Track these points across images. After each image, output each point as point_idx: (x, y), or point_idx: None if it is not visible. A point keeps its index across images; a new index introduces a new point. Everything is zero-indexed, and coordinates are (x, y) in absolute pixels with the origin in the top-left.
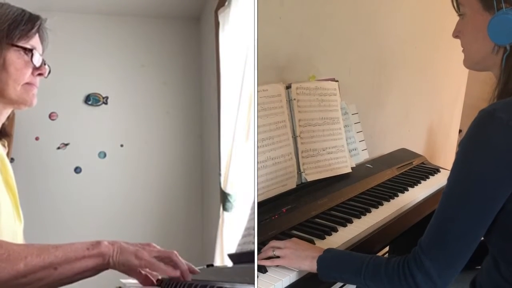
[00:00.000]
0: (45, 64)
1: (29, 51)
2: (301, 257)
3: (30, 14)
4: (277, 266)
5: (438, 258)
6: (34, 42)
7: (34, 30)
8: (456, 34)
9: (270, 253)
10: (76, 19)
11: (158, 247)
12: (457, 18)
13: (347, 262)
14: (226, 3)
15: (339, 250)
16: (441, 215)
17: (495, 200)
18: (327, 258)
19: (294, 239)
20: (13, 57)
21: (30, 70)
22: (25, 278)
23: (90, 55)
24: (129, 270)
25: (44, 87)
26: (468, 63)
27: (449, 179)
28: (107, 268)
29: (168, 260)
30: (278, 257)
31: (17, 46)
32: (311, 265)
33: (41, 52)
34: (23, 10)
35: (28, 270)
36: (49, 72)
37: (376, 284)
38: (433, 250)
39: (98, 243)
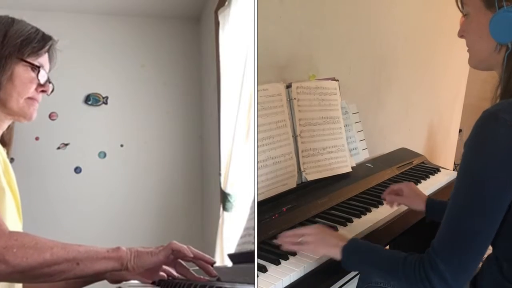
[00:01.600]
0: (49, 82)
1: (36, 68)
2: (327, 245)
3: (43, 33)
4: (280, 264)
5: (451, 261)
6: (43, 60)
7: (44, 49)
8: (461, 34)
9: (297, 239)
10: (76, 19)
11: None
12: (457, 16)
13: (368, 255)
14: (226, 3)
15: (363, 242)
16: (449, 216)
17: (500, 201)
18: (351, 249)
19: (319, 225)
20: (21, 71)
21: (34, 86)
22: (49, 268)
23: (90, 55)
24: (148, 272)
25: None
26: (473, 63)
27: (456, 180)
28: (126, 278)
29: (182, 256)
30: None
31: (26, 62)
32: (335, 253)
33: (47, 70)
34: (37, 29)
35: (53, 261)
36: (52, 90)
37: (394, 280)
38: (445, 251)
39: (117, 248)
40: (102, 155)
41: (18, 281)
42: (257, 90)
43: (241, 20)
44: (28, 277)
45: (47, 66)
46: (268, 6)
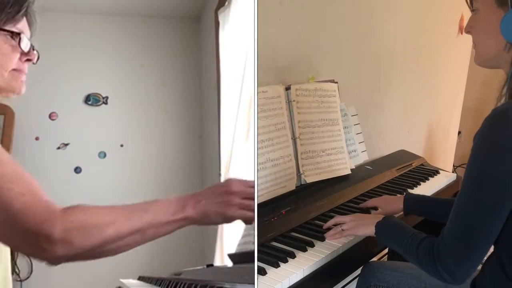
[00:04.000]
0: (33, 49)
1: (17, 35)
2: (364, 225)
3: None
4: (279, 267)
5: (454, 248)
6: (22, 26)
7: (21, 13)
8: (468, 30)
9: (339, 229)
10: (76, 19)
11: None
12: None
13: (396, 233)
14: (226, 3)
15: (395, 220)
16: (456, 208)
17: (505, 199)
18: (383, 225)
19: (355, 214)
20: (0, 41)
21: (17, 56)
22: (113, 243)
23: (90, 55)
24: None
25: (44, 87)
26: (479, 60)
27: (464, 175)
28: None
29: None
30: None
31: (4, 30)
32: (371, 230)
33: (29, 36)
34: None
35: (117, 236)
36: (38, 58)
37: (412, 261)
38: (450, 240)
39: (183, 207)
40: (102, 155)
41: (83, 260)
42: (257, 92)
43: (241, 20)
44: (94, 255)
45: (27, 32)
46: (268, 7)
